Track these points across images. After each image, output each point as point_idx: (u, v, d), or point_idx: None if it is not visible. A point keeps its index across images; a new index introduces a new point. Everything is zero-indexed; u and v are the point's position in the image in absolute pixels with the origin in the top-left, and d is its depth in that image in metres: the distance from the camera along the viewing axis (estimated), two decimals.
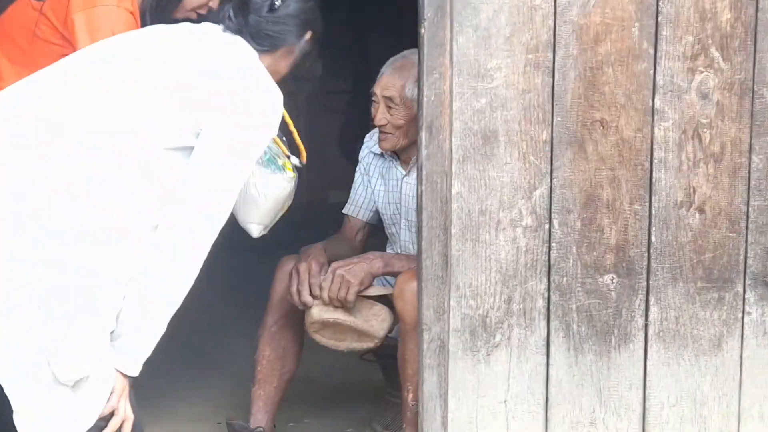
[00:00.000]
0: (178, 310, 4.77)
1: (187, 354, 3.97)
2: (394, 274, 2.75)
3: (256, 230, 2.68)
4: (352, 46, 6.57)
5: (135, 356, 1.99)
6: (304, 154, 2.61)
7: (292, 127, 2.66)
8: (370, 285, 2.75)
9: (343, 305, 2.70)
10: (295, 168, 2.60)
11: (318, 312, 2.70)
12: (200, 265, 1.99)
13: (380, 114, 2.86)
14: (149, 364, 3.83)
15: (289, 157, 2.58)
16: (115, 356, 1.96)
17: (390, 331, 2.78)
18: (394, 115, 2.84)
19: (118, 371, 1.97)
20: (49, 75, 2.06)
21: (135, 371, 2.00)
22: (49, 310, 1.87)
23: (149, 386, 3.52)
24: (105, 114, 1.97)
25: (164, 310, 1.98)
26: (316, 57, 2.38)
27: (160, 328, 1.99)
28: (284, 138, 2.66)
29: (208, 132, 1.97)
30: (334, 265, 2.73)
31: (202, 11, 2.62)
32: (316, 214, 5.31)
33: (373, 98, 2.90)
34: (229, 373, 3.67)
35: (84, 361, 1.91)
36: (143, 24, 2.52)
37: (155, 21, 2.53)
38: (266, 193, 2.62)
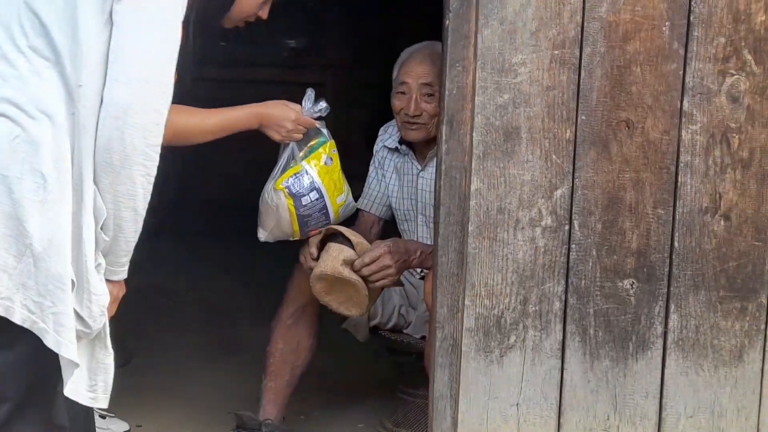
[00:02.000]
0: (194, 298, 4.74)
1: (200, 342, 3.96)
2: (427, 268, 2.71)
3: (258, 232, 2.68)
4: (381, 38, 6.53)
5: (122, 261, 1.93)
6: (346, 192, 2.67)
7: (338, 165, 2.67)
8: None
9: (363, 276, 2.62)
10: (292, 190, 2.60)
11: (348, 270, 2.59)
12: (155, 140, 1.85)
13: (415, 104, 2.79)
14: (163, 351, 3.81)
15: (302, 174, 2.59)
16: (106, 271, 1.91)
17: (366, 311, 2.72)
18: (432, 102, 2.76)
19: (110, 281, 1.92)
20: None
21: (125, 274, 1.95)
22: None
23: (161, 373, 3.55)
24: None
25: (139, 200, 1.88)
26: None
27: (138, 223, 1.90)
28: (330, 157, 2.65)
29: None
30: (383, 247, 2.63)
31: (251, 20, 2.59)
32: None
33: (400, 90, 2.83)
34: (242, 362, 3.65)
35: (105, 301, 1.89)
36: (186, 33, 2.47)
37: (199, 30, 2.49)
38: (261, 196, 2.62)
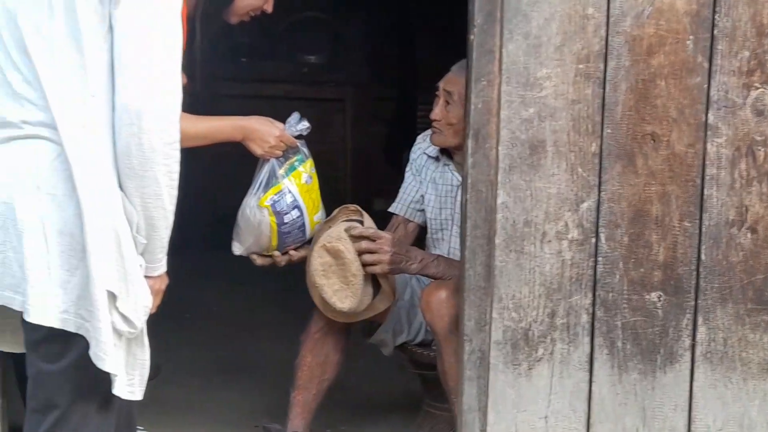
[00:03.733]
0: (217, 313, 4.75)
1: (224, 356, 3.98)
2: (428, 276, 2.74)
3: (233, 246, 2.70)
4: (399, 54, 6.56)
5: (159, 257, 1.97)
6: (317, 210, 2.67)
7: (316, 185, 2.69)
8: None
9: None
10: (276, 207, 2.61)
11: (351, 244, 2.62)
12: (172, 138, 1.88)
13: (437, 108, 2.85)
14: (188, 364, 3.83)
15: (283, 193, 2.60)
16: (145, 269, 1.96)
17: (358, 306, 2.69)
18: (450, 112, 2.81)
19: (150, 277, 1.97)
20: None
21: (164, 267, 1.99)
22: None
23: (186, 386, 3.56)
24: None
25: (166, 199, 1.91)
26: None
27: (168, 219, 1.93)
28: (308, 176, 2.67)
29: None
30: (390, 235, 2.70)
31: (256, 14, 2.61)
32: None
33: (436, 93, 2.89)
34: (265, 376, 3.66)
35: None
36: (192, 29, 2.50)
37: (205, 26, 2.52)
38: (242, 211, 2.64)
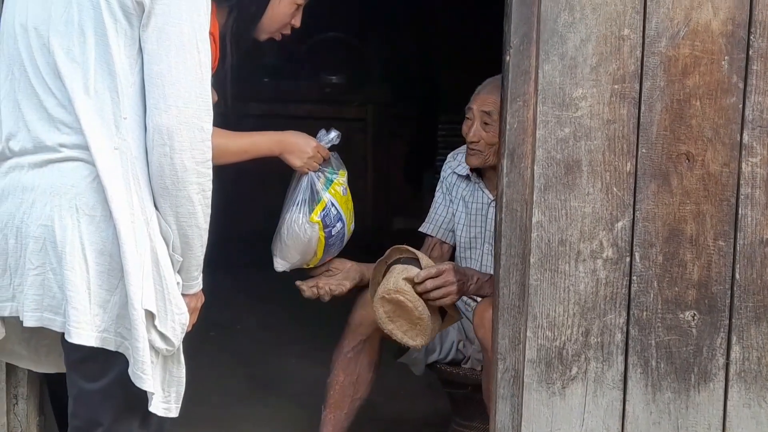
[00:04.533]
0: (241, 331, 4.74)
1: (250, 374, 3.99)
2: (482, 295, 2.73)
3: (276, 263, 2.72)
4: (419, 73, 6.60)
5: (195, 275, 1.99)
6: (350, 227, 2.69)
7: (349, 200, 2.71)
8: None
9: (426, 299, 2.65)
10: (326, 222, 2.63)
11: (411, 289, 2.63)
12: (204, 157, 1.90)
13: (474, 130, 2.83)
14: (215, 383, 3.84)
15: (330, 207, 2.62)
16: (182, 287, 1.98)
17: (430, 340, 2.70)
18: (489, 131, 2.80)
19: (187, 295, 1.99)
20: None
21: (200, 285, 2.02)
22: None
23: (213, 405, 3.58)
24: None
25: (200, 217, 1.94)
26: None
27: (203, 237, 1.96)
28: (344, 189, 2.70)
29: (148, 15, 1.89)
30: (449, 264, 2.69)
31: (286, 31, 2.64)
32: (381, 239, 5.32)
33: (467, 115, 2.88)
34: (291, 392, 3.67)
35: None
36: (223, 48, 2.52)
37: (235, 44, 2.54)
38: (288, 228, 2.65)
